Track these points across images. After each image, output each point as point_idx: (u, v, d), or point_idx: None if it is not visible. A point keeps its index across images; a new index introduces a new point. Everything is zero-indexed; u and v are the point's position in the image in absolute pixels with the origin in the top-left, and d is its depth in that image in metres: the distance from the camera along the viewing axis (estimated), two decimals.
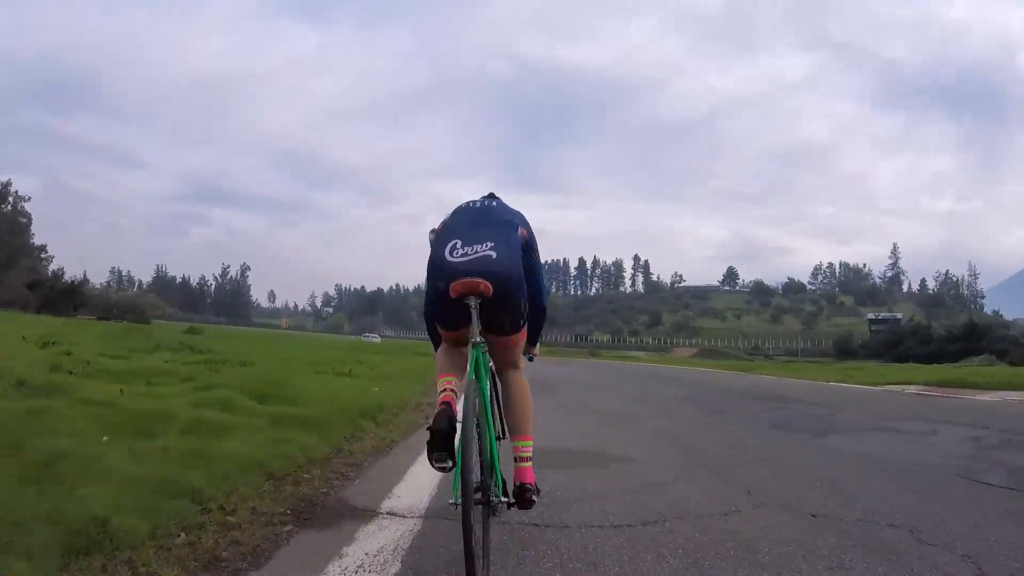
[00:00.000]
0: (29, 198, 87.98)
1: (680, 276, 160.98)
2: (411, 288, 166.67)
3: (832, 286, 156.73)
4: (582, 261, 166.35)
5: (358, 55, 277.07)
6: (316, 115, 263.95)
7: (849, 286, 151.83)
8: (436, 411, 2.24)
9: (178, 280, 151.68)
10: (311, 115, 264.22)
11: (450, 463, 2.15)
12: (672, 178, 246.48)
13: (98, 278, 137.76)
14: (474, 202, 2.69)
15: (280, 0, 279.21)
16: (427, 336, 2.73)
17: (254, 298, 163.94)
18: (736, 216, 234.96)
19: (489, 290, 2.25)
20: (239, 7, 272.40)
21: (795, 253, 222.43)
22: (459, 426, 2.14)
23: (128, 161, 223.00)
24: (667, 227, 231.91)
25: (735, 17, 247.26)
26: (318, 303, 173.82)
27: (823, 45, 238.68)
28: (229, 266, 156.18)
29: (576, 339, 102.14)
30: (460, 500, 2.01)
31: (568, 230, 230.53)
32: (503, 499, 2.40)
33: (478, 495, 2.18)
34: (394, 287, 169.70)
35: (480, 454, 2.23)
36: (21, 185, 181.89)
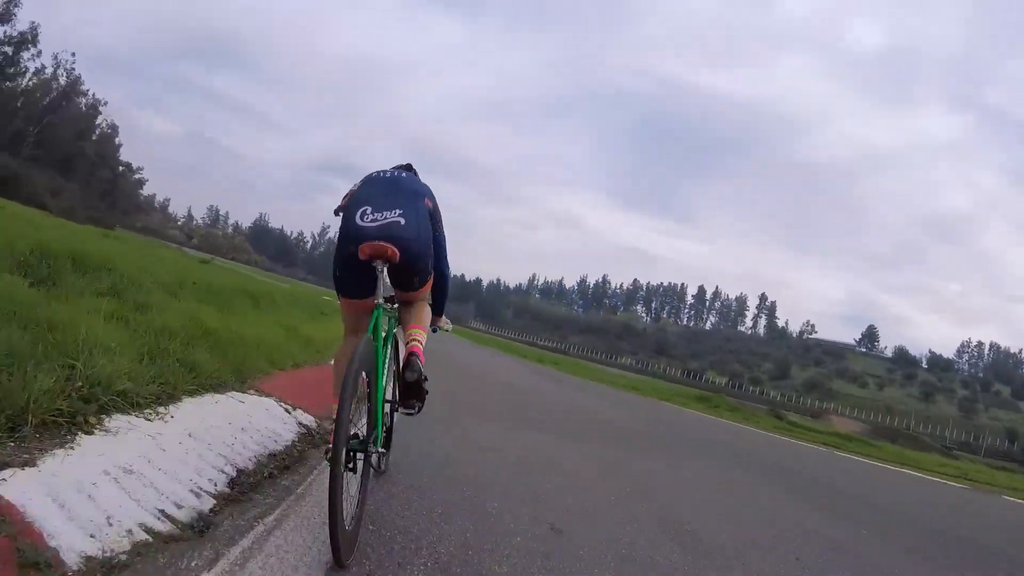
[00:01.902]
0: (105, 102, 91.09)
1: (812, 326, 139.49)
2: (512, 286, 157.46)
3: (978, 368, 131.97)
4: (701, 290, 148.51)
5: (500, 55, 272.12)
6: (450, 108, 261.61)
7: (1000, 372, 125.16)
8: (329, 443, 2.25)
9: (277, 232, 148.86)
10: (445, 107, 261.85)
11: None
12: (796, 224, 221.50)
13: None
14: (384, 172, 2.85)
15: None
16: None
17: None
18: (857, 274, 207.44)
19: (396, 255, 2.43)
20: None
21: (913, 325, 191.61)
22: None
23: (270, 124, 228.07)
24: (784, 274, 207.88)
25: (891, 63, 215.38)
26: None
27: (974, 107, 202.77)
28: (329, 226, 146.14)
29: (687, 375, 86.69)
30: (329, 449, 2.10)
31: (683, 260, 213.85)
32: (381, 449, 2.64)
33: (359, 446, 2.28)
34: (494, 282, 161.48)
35: (370, 409, 2.41)
36: (166, 129, 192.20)
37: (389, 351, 2.77)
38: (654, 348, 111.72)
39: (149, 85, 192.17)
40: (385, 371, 2.67)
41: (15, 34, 74.35)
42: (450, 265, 3.14)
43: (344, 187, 2.90)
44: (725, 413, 20.22)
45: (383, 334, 2.60)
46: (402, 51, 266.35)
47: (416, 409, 2.72)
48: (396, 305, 2.83)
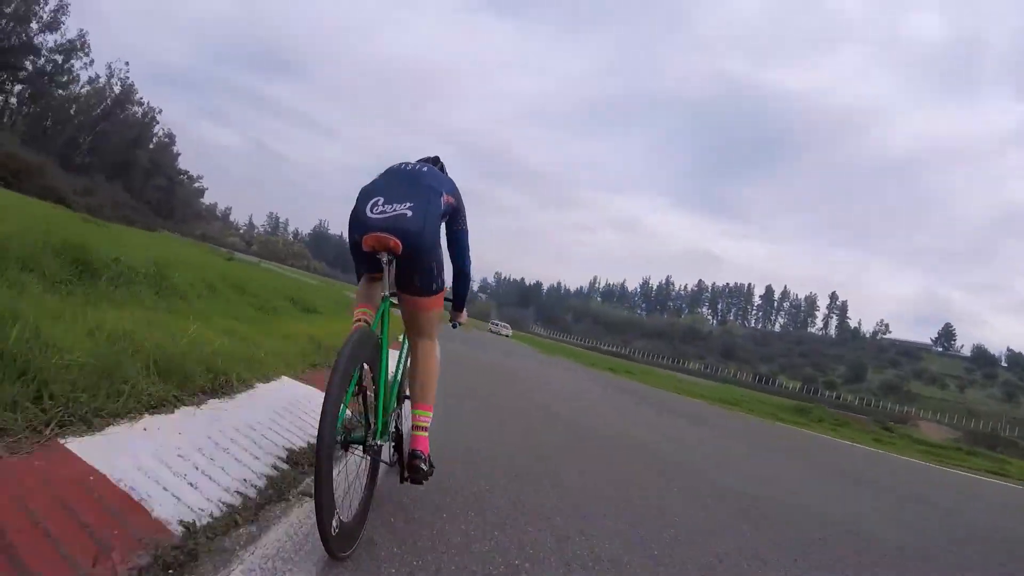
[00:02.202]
0: (160, 110, 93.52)
1: (886, 326, 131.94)
2: (572, 289, 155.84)
3: None
4: (769, 290, 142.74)
5: (556, 59, 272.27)
6: (507, 112, 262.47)
7: None
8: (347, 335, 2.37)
9: (336, 238, 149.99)
10: (502, 111, 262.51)
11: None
12: (863, 221, 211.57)
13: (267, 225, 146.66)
14: (407, 164, 2.77)
15: None
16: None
17: None
18: (929, 272, 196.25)
19: (398, 247, 2.37)
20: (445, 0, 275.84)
21: (990, 323, 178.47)
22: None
23: (329, 133, 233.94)
24: (854, 273, 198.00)
25: (955, 51, 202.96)
26: (475, 287, 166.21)
27: None
28: None
29: (758, 380, 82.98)
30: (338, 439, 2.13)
31: (746, 261, 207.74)
32: (379, 442, 2.40)
33: (355, 437, 2.32)
34: (554, 285, 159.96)
35: (376, 398, 2.38)
36: (223, 138, 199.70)
37: (405, 347, 2.84)
38: (721, 352, 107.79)
39: (214, 99, 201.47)
40: (401, 366, 2.81)
41: (64, 42, 75.24)
42: (471, 262, 2.99)
43: None
44: (833, 429, 18.40)
45: (387, 324, 2.55)
46: (457, 57, 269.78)
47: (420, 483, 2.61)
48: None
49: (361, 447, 2.31)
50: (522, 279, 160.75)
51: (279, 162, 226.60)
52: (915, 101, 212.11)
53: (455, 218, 2.77)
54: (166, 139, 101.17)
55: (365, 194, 2.55)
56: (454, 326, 3.15)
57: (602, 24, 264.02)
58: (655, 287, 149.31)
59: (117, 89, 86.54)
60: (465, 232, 2.87)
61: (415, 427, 2.58)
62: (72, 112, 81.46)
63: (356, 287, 2.91)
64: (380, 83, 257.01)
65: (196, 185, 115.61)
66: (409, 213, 2.44)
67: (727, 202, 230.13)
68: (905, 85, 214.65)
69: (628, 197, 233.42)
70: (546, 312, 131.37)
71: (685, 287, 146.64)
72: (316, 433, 2.03)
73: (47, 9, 71.99)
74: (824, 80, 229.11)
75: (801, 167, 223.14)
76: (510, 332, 61.08)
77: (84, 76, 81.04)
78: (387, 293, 2.48)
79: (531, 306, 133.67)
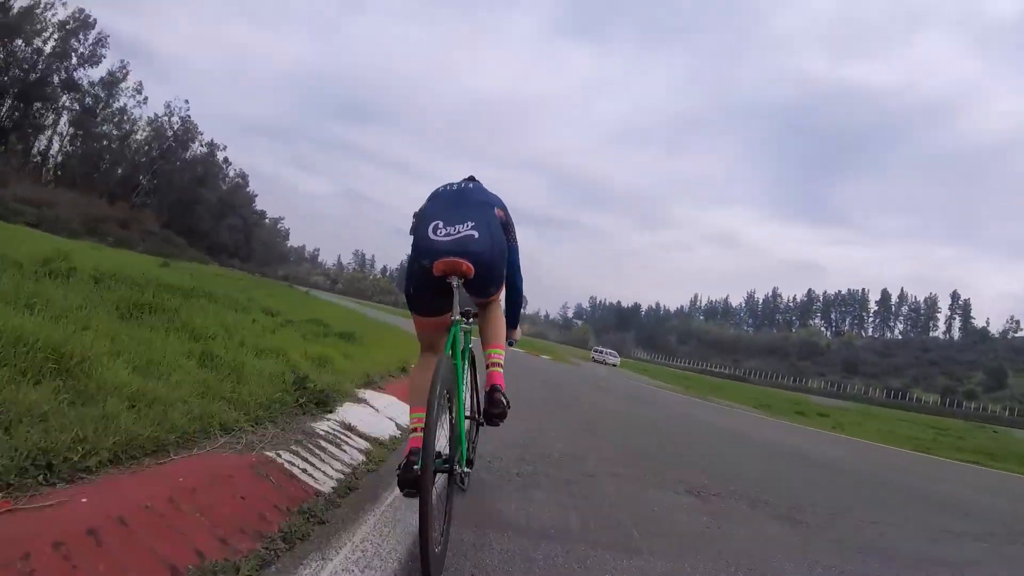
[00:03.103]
0: (224, 146, 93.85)
1: (1016, 323, 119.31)
2: (672, 309, 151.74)
3: None
4: (885, 295, 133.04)
5: (634, 79, 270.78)
6: (590, 137, 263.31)
7: None
8: (406, 456, 2.40)
9: None
10: (585, 136, 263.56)
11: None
12: (970, 213, 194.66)
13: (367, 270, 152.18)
14: (451, 185, 2.79)
15: (562, 25, 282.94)
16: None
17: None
18: None
19: (471, 271, 2.37)
20: (523, 32, 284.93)
21: None
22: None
23: (410, 170, 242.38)
24: (966, 270, 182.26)
25: None
26: (569, 314, 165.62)
27: None
28: None
29: (890, 395, 76.86)
30: (418, 467, 2.09)
31: (851, 267, 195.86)
32: (466, 469, 2.48)
33: (443, 465, 2.26)
34: (653, 307, 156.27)
35: (450, 428, 2.34)
36: (316, 188, 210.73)
37: (467, 366, 2.81)
38: (843, 366, 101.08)
39: (304, 149, 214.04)
40: (465, 388, 2.76)
41: (104, 75, 74.17)
42: (523, 277, 3.02)
43: None
44: None
45: (459, 349, 2.52)
46: (539, 87, 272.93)
47: (497, 424, 2.64)
48: (472, 320, 2.79)
49: (447, 474, 2.30)
50: (618, 302, 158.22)
51: (367, 203, 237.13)
52: (1006, 80, 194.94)
53: (506, 232, 2.73)
54: (238, 179, 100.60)
55: (421, 221, 2.54)
56: (510, 344, 3.03)
57: (677, 39, 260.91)
58: (761, 301, 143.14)
59: (177, 128, 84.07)
60: (516, 248, 2.85)
61: (491, 364, 2.63)
62: (126, 150, 79.20)
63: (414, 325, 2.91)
64: (464, 119, 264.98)
65: (280, 227, 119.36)
66: (475, 234, 2.44)
67: (825, 208, 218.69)
68: (993, 65, 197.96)
69: (722, 211, 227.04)
70: (647, 335, 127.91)
71: (794, 298, 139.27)
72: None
73: (86, 44, 70.89)
74: (908, 69, 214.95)
75: (896, 163, 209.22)
76: (618, 361, 52.22)
77: (141, 115, 79.62)
78: (457, 317, 2.43)
79: (631, 330, 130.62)
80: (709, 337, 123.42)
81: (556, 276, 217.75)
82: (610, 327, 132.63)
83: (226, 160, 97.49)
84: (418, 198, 2.76)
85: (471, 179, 2.88)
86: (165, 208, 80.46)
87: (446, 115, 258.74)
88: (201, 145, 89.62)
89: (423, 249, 2.46)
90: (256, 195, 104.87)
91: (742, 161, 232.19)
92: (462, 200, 2.63)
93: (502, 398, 2.54)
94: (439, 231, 2.46)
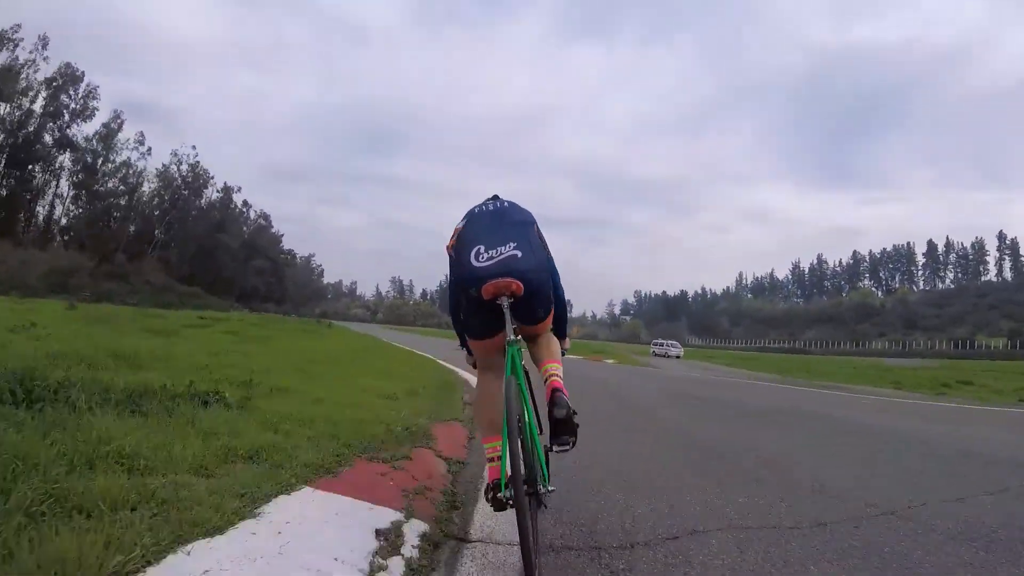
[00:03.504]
0: (239, 188, 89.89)
1: None
2: (719, 291, 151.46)
3: None
4: (931, 245, 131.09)
5: (645, 70, 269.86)
6: (611, 133, 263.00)
7: None
8: (488, 486, 2.56)
9: None
10: (606, 134, 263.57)
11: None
12: (997, 156, 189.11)
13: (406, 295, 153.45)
14: (484, 206, 2.72)
15: (566, 28, 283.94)
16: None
17: None
18: None
19: (520, 289, 2.41)
20: (529, 40, 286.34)
21: None
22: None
23: (439, 191, 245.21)
24: (1002, 211, 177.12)
25: None
26: (616, 311, 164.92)
27: None
28: None
29: (958, 345, 75.97)
30: (512, 494, 2.16)
31: (893, 224, 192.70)
32: (550, 488, 2.47)
33: (526, 487, 2.20)
34: (699, 291, 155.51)
35: (524, 448, 2.28)
36: (347, 222, 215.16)
37: (526, 384, 2.64)
38: (903, 324, 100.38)
39: (328, 185, 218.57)
40: (531, 408, 2.62)
41: (100, 129, 70.39)
42: (563, 286, 2.95)
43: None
44: None
45: (520, 369, 2.53)
46: (552, 92, 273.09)
47: (570, 444, 2.50)
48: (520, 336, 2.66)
49: (532, 496, 2.35)
50: (663, 292, 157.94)
51: (400, 230, 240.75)
52: (1014, 22, 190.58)
53: (543, 246, 2.73)
54: (260, 220, 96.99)
55: (461, 247, 2.56)
56: (562, 353, 2.95)
57: (681, 25, 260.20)
58: (807, 270, 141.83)
59: (184, 173, 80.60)
60: (552, 260, 2.82)
61: (549, 376, 2.60)
62: (136, 205, 75.68)
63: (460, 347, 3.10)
64: (486, 134, 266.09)
65: (312, 264, 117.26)
66: (519, 253, 2.47)
67: (854, 170, 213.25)
68: (999, 7, 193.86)
69: (752, 188, 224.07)
70: (698, 320, 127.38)
71: (840, 263, 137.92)
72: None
73: (76, 99, 67.54)
74: (916, 22, 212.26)
75: (917, 116, 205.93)
76: (681, 352, 48.61)
77: (145, 166, 75.91)
78: (512, 337, 2.48)
79: (682, 318, 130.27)
80: (761, 314, 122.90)
81: (597, 276, 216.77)
82: (660, 318, 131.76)
83: (245, 203, 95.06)
84: (450, 217, 2.76)
85: (495, 198, 2.85)
86: (185, 259, 78.29)
87: (468, 133, 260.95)
88: (216, 191, 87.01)
89: (468, 277, 2.49)
90: (282, 235, 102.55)
91: (764, 136, 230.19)
92: (501, 221, 2.61)
93: (564, 398, 2.48)
94: (481, 256, 2.47)
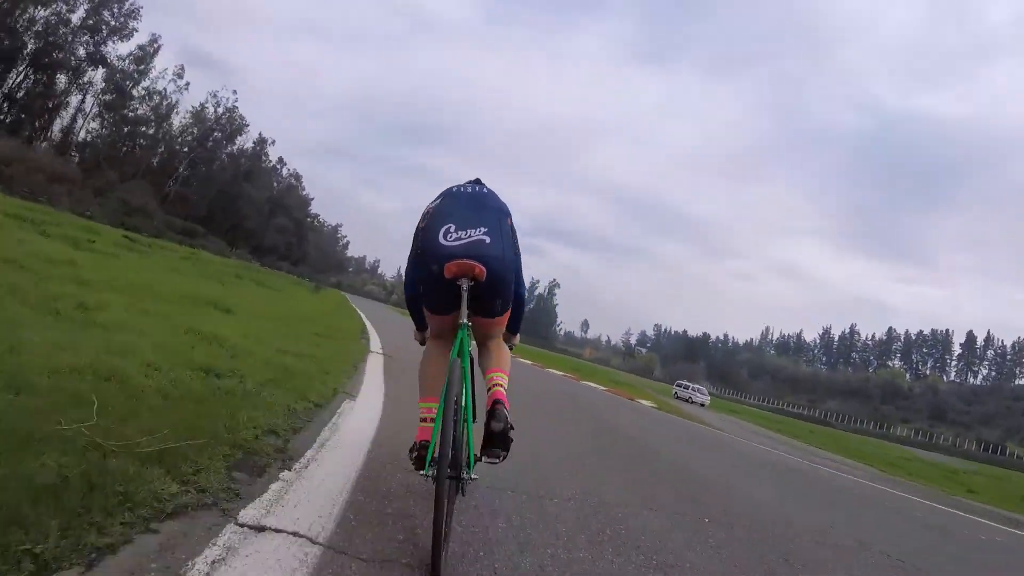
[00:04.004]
0: (273, 141, 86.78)
1: None
2: (742, 341, 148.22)
3: None
4: (971, 337, 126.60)
5: (701, 105, 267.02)
6: (655, 162, 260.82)
7: None
8: (416, 440, 2.54)
9: None
10: (651, 162, 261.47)
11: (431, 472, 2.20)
12: None
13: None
14: (464, 186, 2.71)
15: (630, 50, 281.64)
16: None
17: (560, 322, 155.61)
18: None
19: (483, 273, 2.37)
20: (590, 57, 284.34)
21: None
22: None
23: None
24: None
25: None
26: (632, 340, 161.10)
27: None
28: (538, 281, 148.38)
29: (985, 448, 72.12)
30: (430, 472, 2.15)
31: (927, 307, 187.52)
32: (473, 476, 2.41)
33: (450, 471, 2.17)
34: (721, 338, 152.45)
35: (455, 431, 2.22)
36: (381, 203, 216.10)
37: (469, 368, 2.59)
38: (929, 412, 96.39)
39: (367, 165, 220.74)
40: (471, 395, 2.59)
41: (135, 51, 66.63)
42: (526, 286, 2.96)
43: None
44: None
45: (467, 352, 2.45)
46: (603, 111, 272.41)
47: (500, 458, 2.48)
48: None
49: (454, 480, 2.24)
50: (684, 331, 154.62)
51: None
52: None
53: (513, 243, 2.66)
54: (291, 179, 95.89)
55: (432, 222, 2.50)
56: (510, 347, 2.97)
57: (742, 65, 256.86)
58: (836, 338, 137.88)
59: (220, 115, 77.38)
60: (520, 257, 2.74)
61: (493, 385, 2.56)
62: (161, 135, 72.38)
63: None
64: (529, 141, 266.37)
65: (339, 235, 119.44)
66: (487, 239, 2.42)
67: (896, 242, 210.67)
68: None
69: (790, 241, 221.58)
70: (717, 368, 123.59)
71: (872, 336, 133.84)
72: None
73: (118, 17, 63.77)
74: (980, 100, 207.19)
75: (970, 197, 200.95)
76: (707, 399, 42.73)
77: (179, 99, 72.52)
78: (465, 320, 2.43)
79: (701, 361, 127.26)
80: (783, 373, 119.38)
81: (618, 302, 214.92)
82: (678, 357, 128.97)
83: (281, 160, 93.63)
84: None
85: (478, 181, 2.79)
86: (204, 201, 75.78)
87: (511, 136, 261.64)
88: (252, 142, 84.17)
89: (432, 253, 2.44)
90: (312, 198, 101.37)
91: (811, 192, 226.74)
92: (478, 204, 2.57)
93: (504, 412, 2.45)
94: (450, 235, 2.42)
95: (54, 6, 58.18)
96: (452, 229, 2.44)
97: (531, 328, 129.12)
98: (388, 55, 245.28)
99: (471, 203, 2.57)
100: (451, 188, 2.70)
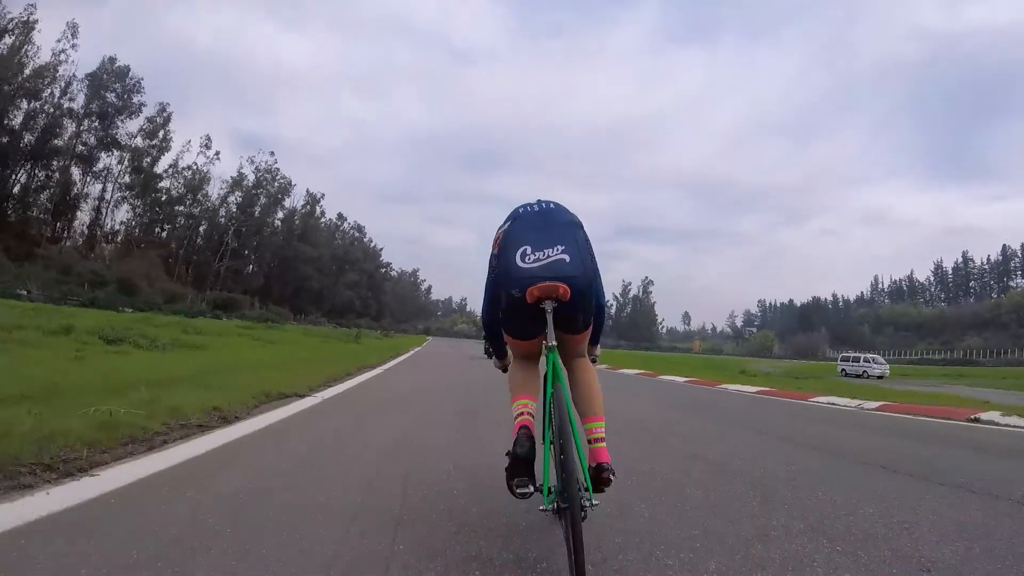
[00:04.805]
0: (323, 195, 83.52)
1: None
2: (852, 298, 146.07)
3: None
4: None
5: (749, 73, 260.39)
6: (716, 141, 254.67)
7: None
8: (515, 435, 2.30)
9: None
10: (711, 142, 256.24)
11: (531, 488, 2.22)
12: None
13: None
14: (531, 205, 2.64)
15: (666, 34, 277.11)
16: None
17: (661, 319, 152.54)
18: None
19: (567, 294, 2.31)
20: (628, 49, 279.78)
21: None
22: (539, 447, 2.29)
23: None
24: None
25: None
26: (738, 323, 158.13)
27: None
28: (630, 283, 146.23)
29: None
30: (550, 504, 2.12)
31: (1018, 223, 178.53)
32: (594, 503, 2.19)
33: (560, 500, 2.12)
34: (830, 298, 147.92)
35: (568, 458, 2.14)
36: (453, 238, 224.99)
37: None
38: None
39: (437, 205, 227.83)
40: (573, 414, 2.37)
41: (144, 124, 64.17)
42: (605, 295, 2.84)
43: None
44: None
45: (561, 375, 2.40)
46: (654, 101, 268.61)
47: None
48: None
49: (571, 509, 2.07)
50: (790, 300, 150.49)
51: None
52: None
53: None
54: (354, 231, 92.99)
55: (506, 246, 2.48)
56: (593, 360, 2.84)
57: (785, 24, 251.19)
58: (950, 270, 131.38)
59: (261, 178, 75.10)
60: (597, 266, 2.65)
61: (593, 440, 2.42)
62: (198, 210, 70.10)
63: (497, 365, 2.98)
64: (587, 146, 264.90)
65: (418, 281, 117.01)
66: (567, 257, 2.38)
67: (979, 162, 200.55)
68: None
69: (869, 187, 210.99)
70: (836, 330, 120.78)
71: (987, 259, 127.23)
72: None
73: (123, 96, 62.00)
74: None
75: None
76: (887, 370, 39.37)
77: (209, 171, 70.65)
78: (553, 343, 2.38)
79: (820, 327, 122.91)
80: (905, 320, 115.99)
81: (711, 287, 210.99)
82: (794, 328, 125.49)
83: (340, 216, 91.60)
84: None
85: (539, 202, 2.70)
86: (262, 270, 75.26)
87: (568, 145, 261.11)
88: (303, 203, 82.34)
89: (512, 278, 2.39)
90: (381, 248, 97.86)
91: (878, 134, 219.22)
92: (549, 221, 2.52)
93: (610, 477, 2.32)
94: (528, 257, 2.38)
95: (46, 95, 57.16)
96: (529, 251, 2.39)
97: (632, 332, 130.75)
98: (430, 94, 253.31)
99: (542, 221, 2.52)
100: (518, 209, 2.65)
